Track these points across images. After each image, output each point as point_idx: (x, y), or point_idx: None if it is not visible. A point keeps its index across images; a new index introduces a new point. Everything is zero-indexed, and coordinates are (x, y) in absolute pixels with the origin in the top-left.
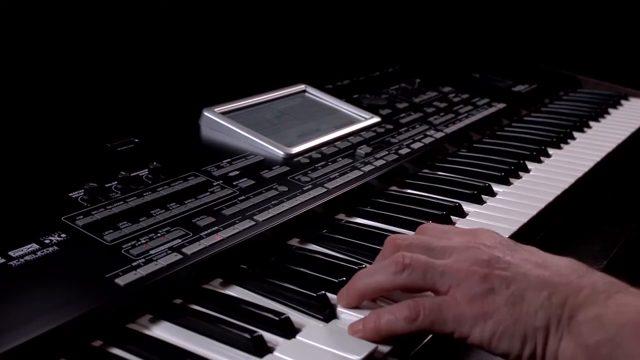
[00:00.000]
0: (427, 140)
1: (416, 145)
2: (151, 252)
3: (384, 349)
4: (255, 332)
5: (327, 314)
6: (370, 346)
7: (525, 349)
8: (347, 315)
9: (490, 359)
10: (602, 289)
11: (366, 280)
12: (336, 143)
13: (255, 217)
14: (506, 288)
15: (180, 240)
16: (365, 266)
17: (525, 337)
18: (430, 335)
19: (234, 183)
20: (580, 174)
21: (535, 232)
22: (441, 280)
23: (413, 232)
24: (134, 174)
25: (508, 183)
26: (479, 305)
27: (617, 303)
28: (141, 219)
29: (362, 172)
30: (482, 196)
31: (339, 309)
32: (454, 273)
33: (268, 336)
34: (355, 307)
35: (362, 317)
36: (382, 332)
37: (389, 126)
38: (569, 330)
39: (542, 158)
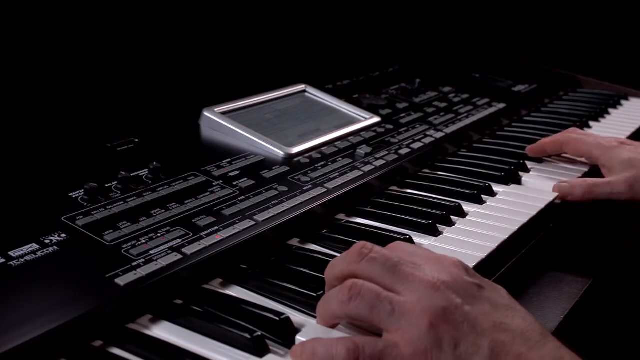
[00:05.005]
0: (427, 140)
1: (416, 145)
2: (151, 252)
3: None
4: (255, 331)
5: None
6: None
7: None
8: None
9: None
10: None
11: (322, 310)
12: (336, 143)
13: (255, 217)
14: (454, 348)
15: (180, 240)
16: None
17: None
18: None
19: (234, 183)
20: (580, 174)
21: (535, 232)
22: (388, 320)
23: (413, 232)
24: (134, 174)
25: (508, 183)
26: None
27: None
28: (141, 219)
29: (362, 172)
30: (482, 196)
31: None
32: (403, 315)
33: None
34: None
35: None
36: None
37: (389, 126)
38: None
39: (542, 158)
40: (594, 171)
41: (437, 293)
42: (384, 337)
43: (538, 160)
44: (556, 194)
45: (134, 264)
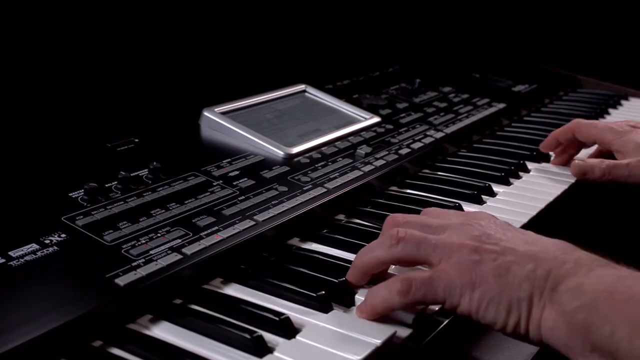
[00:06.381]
0: (427, 140)
1: (416, 145)
2: (151, 252)
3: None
4: (255, 332)
5: (328, 314)
6: (370, 347)
7: (510, 318)
8: (348, 316)
9: (500, 343)
10: (585, 263)
11: (365, 257)
12: (336, 143)
13: (255, 217)
14: (494, 260)
15: (180, 240)
16: None
17: (510, 307)
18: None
19: (234, 183)
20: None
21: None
22: (434, 253)
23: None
24: (134, 174)
25: (508, 183)
26: (467, 275)
27: (597, 274)
28: (141, 219)
29: (362, 172)
30: (482, 196)
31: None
32: (446, 246)
33: (268, 336)
34: (362, 283)
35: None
36: (378, 310)
37: (389, 126)
38: (551, 300)
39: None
40: None
41: (471, 227)
42: (432, 269)
43: (538, 160)
44: (556, 193)
45: (134, 264)
